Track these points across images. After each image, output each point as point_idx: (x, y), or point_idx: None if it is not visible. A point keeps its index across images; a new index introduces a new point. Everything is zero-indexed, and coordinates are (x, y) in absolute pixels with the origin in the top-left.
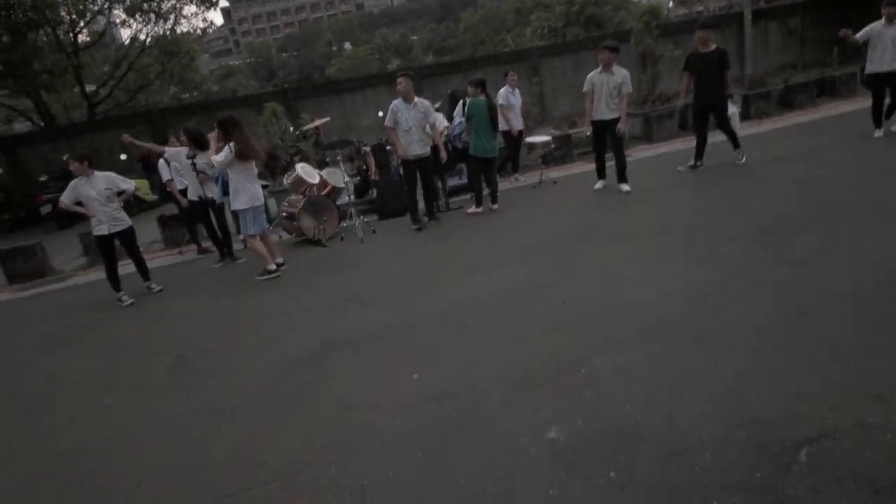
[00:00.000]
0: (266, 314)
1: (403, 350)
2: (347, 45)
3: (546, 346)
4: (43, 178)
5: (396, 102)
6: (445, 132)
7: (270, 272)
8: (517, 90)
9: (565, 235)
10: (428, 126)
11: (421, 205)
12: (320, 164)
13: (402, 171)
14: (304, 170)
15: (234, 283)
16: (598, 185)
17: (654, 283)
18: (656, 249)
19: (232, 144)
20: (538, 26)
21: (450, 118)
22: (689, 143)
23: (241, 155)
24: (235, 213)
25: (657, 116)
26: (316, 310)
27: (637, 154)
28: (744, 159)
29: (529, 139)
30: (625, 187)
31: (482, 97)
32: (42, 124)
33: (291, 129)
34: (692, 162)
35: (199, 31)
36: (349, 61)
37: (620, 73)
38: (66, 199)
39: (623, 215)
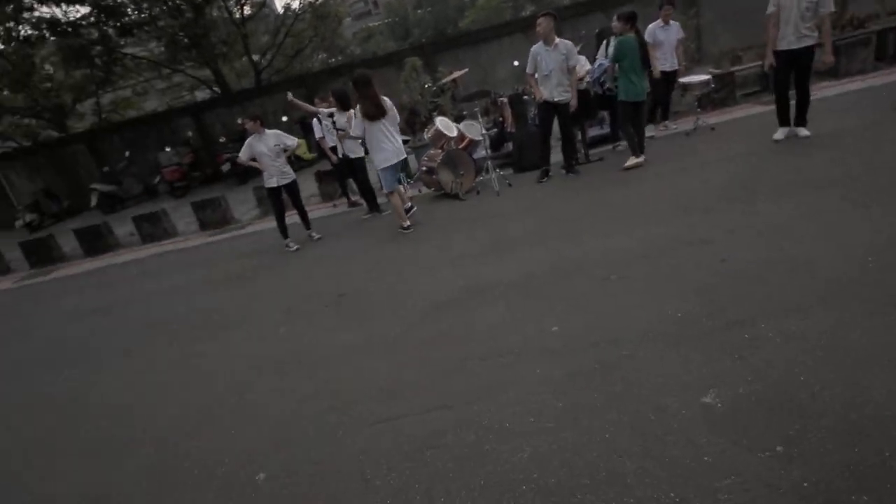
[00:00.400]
0: (410, 262)
1: (546, 300)
2: None
3: (702, 306)
4: (222, 140)
5: (536, 46)
6: (586, 77)
7: (405, 228)
8: (672, 24)
9: (725, 188)
10: (568, 69)
11: (558, 157)
12: (457, 118)
13: (538, 119)
14: (442, 123)
15: (381, 233)
16: (778, 134)
17: (835, 240)
18: (837, 204)
19: (358, 107)
20: None
21: (594, 61)
22: (888, 76)
23: (366, 116)
24: None
25: (848, 45)
26: (456, 259)
27: (820, 92)
28: None
29: (683, 79)
30: (803, 132)
31: (632, 34)
32: (219, 92)
33: (429, 84)
34: None
35: None
36: (482, 12)
37: None
38: (243, 155)
39: (798, 165)
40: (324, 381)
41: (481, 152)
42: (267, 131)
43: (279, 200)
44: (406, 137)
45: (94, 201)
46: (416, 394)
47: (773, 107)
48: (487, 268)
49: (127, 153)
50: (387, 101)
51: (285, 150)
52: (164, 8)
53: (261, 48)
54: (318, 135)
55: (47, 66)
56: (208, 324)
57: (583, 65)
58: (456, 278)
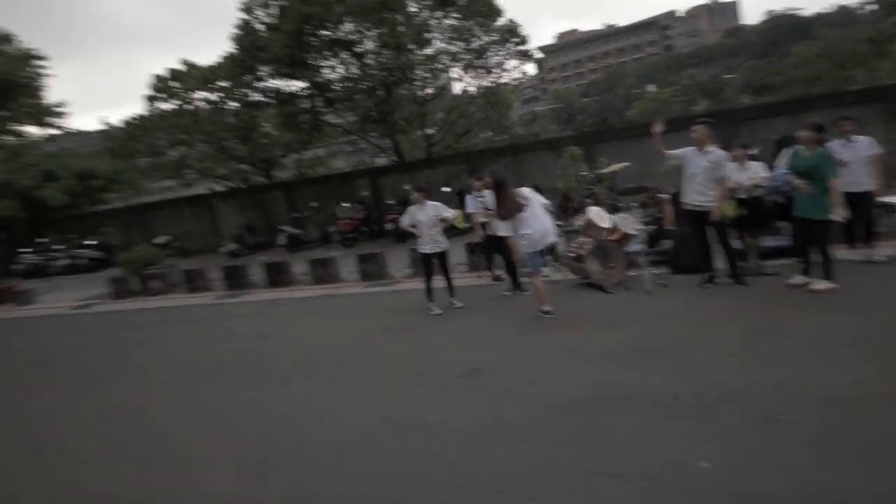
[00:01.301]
0: (544, 348)
1: (693, 426)
2: (651, 88)
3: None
4: (390, 202)
5: (688, 148)
6: (762, 184)
7: (545, 312)
8: (859, 140)
9: None
10: (714, 179)
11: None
12: (612, 209)
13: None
14: (595, 213)
15: (520, 312)
16: None
17: None
18: None
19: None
20: None
21: (772, 167)
22: None
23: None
24: None
25: None
26: (593, 356)
27: None
28: None
29: (884, 199)
30: None
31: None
32: (395, 160)
33: (585, 172)
34: None
35: (515, 83)
36: (651, 104)
37: None
38: (405, 221)
39: None
40: (442, 449)
41: (635, 246)
42: (428, 203)
43: (430, 266)
44: (559, 222)
45: (281, 240)
46: (536, 488)
47: None
48: (626, 373)
49: (313, 203)
50: (524, 192)
51: (442, 221)
52: (363, 87)
53: (435, 124)
54: (470, 209)
55: (266, 126)
56: (346, 366)
57: (756, 171)
58: (590, 377)
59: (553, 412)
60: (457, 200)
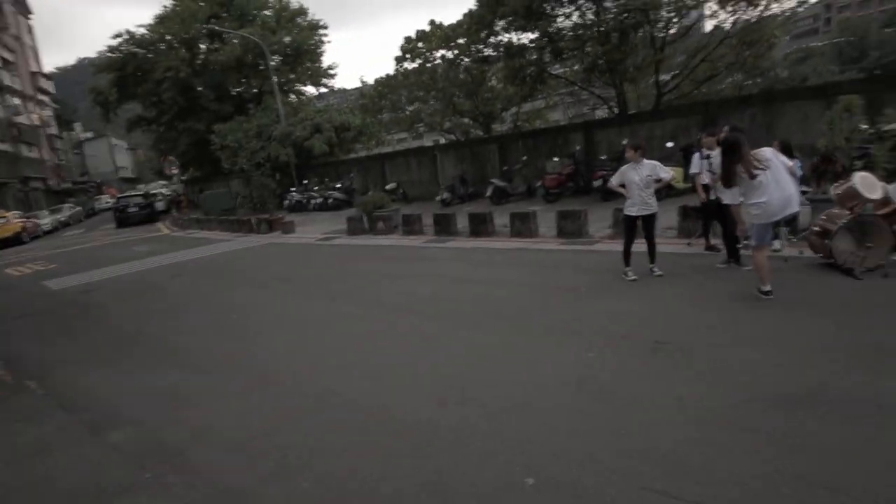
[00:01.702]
0: (751, 333)
1: None
2: None
3: None
4: (603, 157)
5: None
6: None
7: (764, 293)
8: None
9: None
10: None
11: None
12: (891, 175)
13: None
14: (863, 181)
15: (732, 288)
16: None
17: None
18: None
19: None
20: None
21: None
22: None
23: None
24: None
25: None
26: (811, 350)
27: None
28: None
29: None
30: None
31: None
32: (616, 112)
33: (865, 126)
34: None
35: (787, 13)
36: None
37: None
38: (614, 180)
39: None
40: (607, 420)
41: None
42: (645, 161)
43: (633, 228)
44: (805, 188)
45: (489, 192)
46: (704, 488)
47: None
48: (848, 374)
49: (524, 157)
50: (765, 153)
51: (657, 182)
52: (596, 33)
53: (671, 69)
54: (693, 170)
55: (493, 81)
56: (528, 321)
57: None
58: (797, 373)
59: (746, 405)
60: (680, 156)
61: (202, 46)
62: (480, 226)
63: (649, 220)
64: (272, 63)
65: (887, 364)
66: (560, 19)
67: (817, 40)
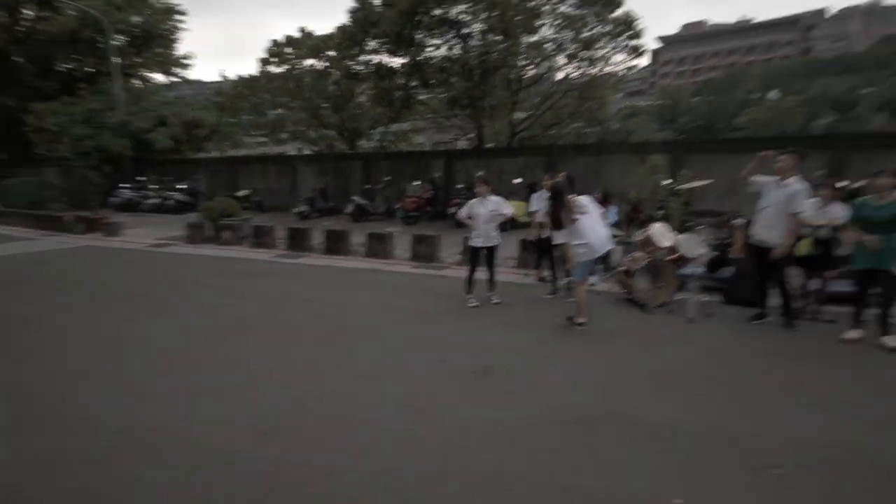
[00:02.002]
0: (565, 359)
1: (676, 461)
2: (773, 94)
3: None
4: (460, 186)
5: (770, 178)
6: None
7: (579, 323)
8: None
9: None
10: (787, 214)
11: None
12: (682, 227)
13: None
14: (657, 231)
15: (554, 318)
16: None
17: None
18: None
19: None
20: None
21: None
22: None
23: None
24: None
25: None
26: (611, 375)
27: None
28: None
29: None
30: None
31: None
32: (475, 144)
33: (666, 182)
34: None
35: (619, 75)
36: (767, 113)
37: None
38: (463, 213)
39: None
40: (427, 442)
41: (693, 269)
42: (491, 197)
43: (477, 258)
44: (618, 233)
45: (349, 208)
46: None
47: None
48: (636, 398)
49: (388, 177)
50: (582, 201)
51: (500, 216)
52: (461, 68)
53: (525, 109)
54: (532, 208)
55: (361, 98)
56: (369, 341)
57: (837, 213)
58: (599, 396)
59: (551, 424)
60: (526, 193)
61: (27, 13)
62: (337, 243)
63: (491, 252)
64: (114, 43)
65: (667, 389)
66: (430, 49)
67: (643, 100)
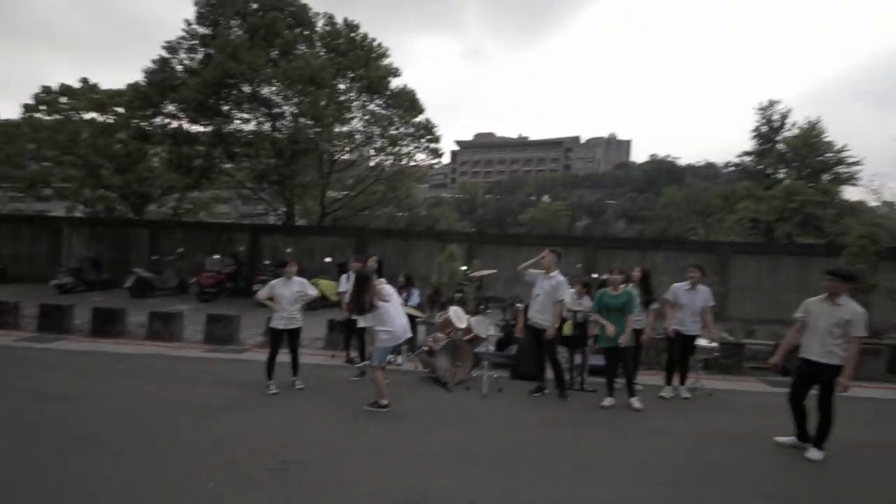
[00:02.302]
0: (370, 445)
1: None
2: (546, 198)
3: None
4: (267, 262)
5: (539, 271)
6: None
7: (382, 406)
8: (700, 289)
9: (676, 470)
10: (554, 301)
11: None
12: (476, 309)
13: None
14: (454, 313)
15: (359, 401)
16: (788, 439)
17: None
18: None
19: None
20: (744, 217)
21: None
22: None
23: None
24: None
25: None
26: (416, 457)
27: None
28: None
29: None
30: (813, 454)
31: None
32: (283, 221)
33: (463, 268)
34: None
35: (426, 167)
36: (542, 213)
37: (851, 309)
38: (263, 294)
39: (775, 479)
40: None
41: (485, 348)
42: (295, 278)
43: (278, 341)
44: (418, 315)
45: (129, 282)
46: None
47: (777, 389)
48: (440, 478)
49: (181, 249)
50: (387, 289)
51: (303, 297)
52: (270, 147)
53: (338, 189)
54: (341, 289)
55: (154, 160)
56: (143, 444)
57: (587, 303)
58: (404, 480)
59: None
60: (336, 272)
61: None
62: (107, 323)
63: (294, 334)
64: None
65: (466, 465)
66: (237, 122)
67: (446, 192)
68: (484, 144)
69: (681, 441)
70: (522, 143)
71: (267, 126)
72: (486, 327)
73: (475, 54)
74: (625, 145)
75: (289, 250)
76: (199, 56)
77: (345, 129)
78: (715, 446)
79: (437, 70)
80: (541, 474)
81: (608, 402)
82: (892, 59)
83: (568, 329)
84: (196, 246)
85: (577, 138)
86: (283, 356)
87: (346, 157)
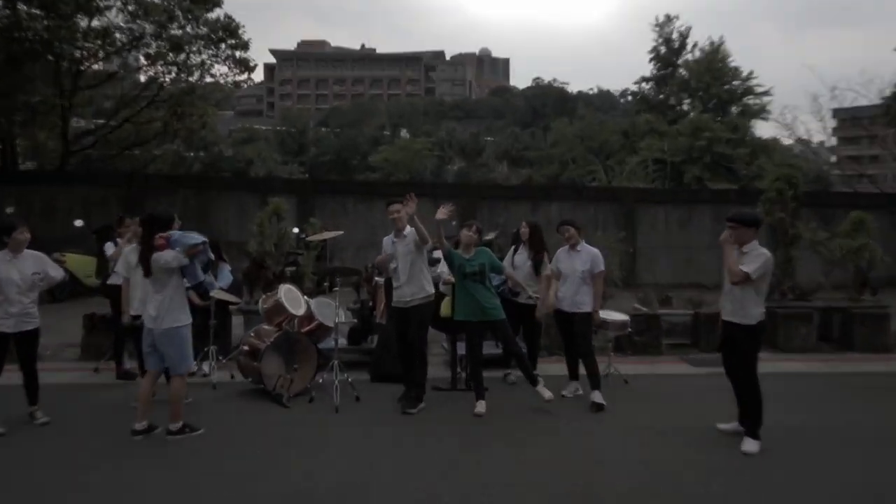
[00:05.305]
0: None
1: None
2: (404, 133)
3: None
4: None
5: (386, 238)
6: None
7: (135, 432)
8: (582, 250)
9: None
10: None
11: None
12: (317, 285)
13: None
14: (287, 294)
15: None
16: (727, 425)
17: None
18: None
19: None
20: (647, 157)
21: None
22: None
23: (146, 273)
24: None
25: (788, 317)
26: None
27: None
28: None
29: (602, 315)
30: (750, 445)
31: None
32: (1, 162)
33: (296, 230)
34: None
35: (229, 86)
36: (401, 153)
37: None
38: None
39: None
40: None
41: (332, 342)
42: (27, 252)
43: (3, 353)
44: (235, 299)
45: None
46: None
47: (703, 369)
48: None
49: None
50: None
51: (42, 282)
52: None
53: (87, 117)
54: (109, 252)
55: None
56: None
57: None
58: None
59: None
60: (94, 241)
61: None
62: None
63: (26, 341)
64: None
65: None
66: None
67: (262, 123)
68: (314, 56)
69: (601, 442)
70: (368, 57)
71: None
72: (334, 313)
73: None
74: (501, 65)
75: (9, 210)
76: None
77: (96, 23)
78: (641, 446)
79: None
80: None
81: (479, 407)
82: None
83: (446, 308)
84: None
85: (440, 53)
86: (11, 375)
87: (99, 66)
